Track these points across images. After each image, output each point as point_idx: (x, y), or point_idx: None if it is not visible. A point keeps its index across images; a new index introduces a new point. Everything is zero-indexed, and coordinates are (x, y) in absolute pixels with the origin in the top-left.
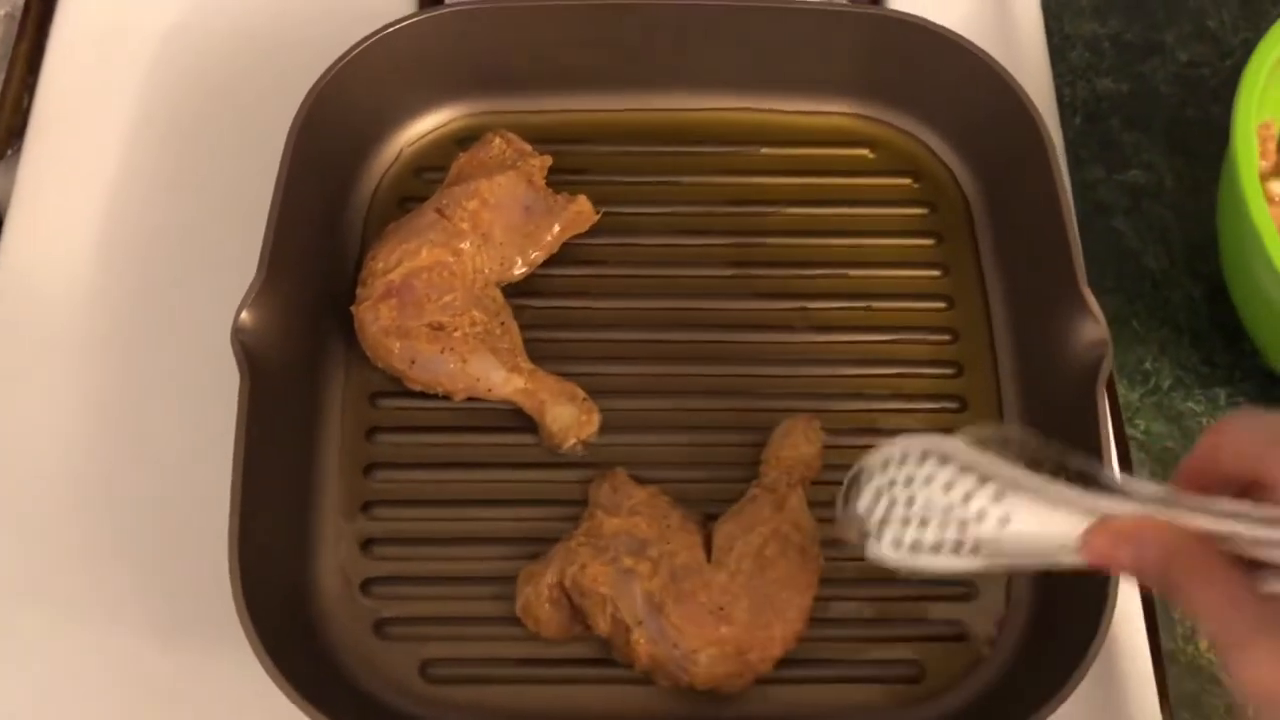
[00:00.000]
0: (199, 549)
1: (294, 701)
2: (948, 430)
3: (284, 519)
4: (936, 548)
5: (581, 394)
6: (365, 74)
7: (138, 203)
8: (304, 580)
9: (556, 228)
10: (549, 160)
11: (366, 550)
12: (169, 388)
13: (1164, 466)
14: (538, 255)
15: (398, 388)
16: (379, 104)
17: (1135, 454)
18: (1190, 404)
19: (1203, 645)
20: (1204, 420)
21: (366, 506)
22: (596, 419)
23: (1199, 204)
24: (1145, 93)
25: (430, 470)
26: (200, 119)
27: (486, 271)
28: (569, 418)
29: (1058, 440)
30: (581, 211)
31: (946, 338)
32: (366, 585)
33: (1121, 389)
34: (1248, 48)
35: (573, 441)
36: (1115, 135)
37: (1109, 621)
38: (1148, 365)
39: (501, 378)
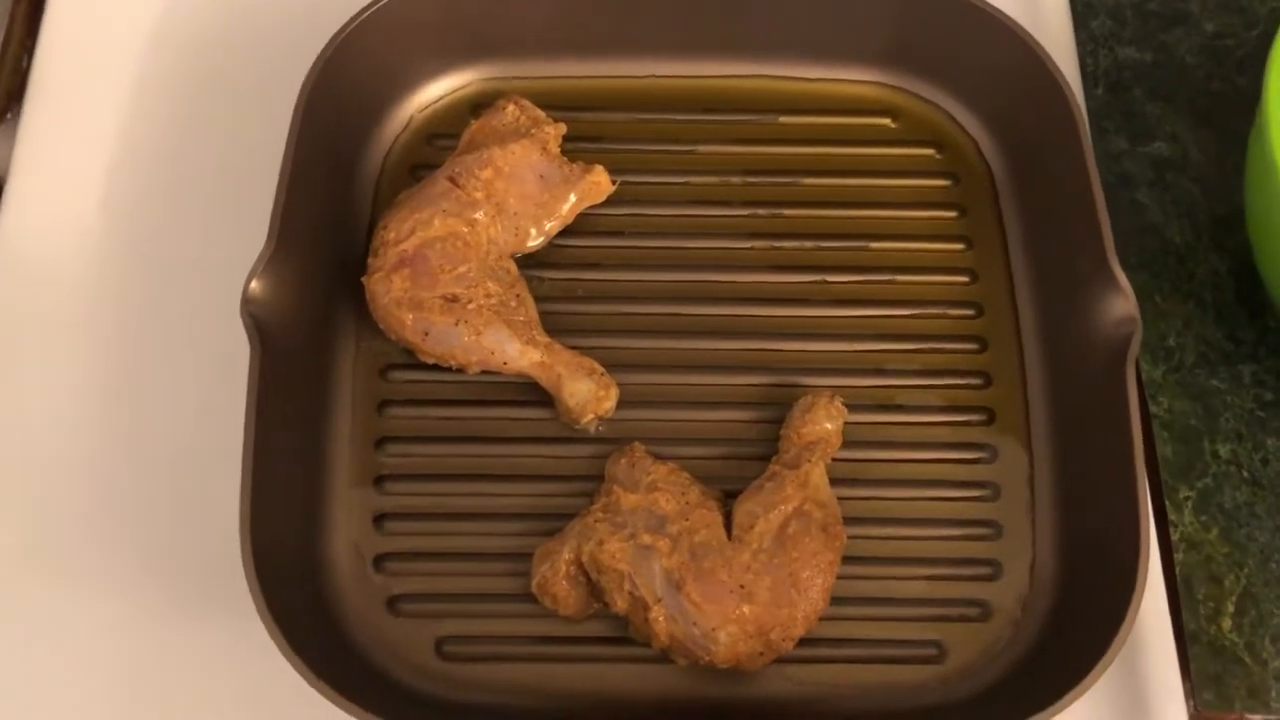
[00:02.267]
0: (210, 524)
1: (305, 678)
2: (970, 406)
3: (295, 493)
4: None
5: (599, 369)
6: (376, 37)
7: (143, 169)
8: (316, 555)
9: (572, 198)
10: (564, 128)
11: (379, 525)
12: (177, 360)
13: (1187, 445)
14: (553, 226)
15: (410, 360)
16: (390, 68)
17: (1158, 432)
18: (1214, 381)
19: (1225, 626)
20: (1228, 398)
21: (379, 481)
22: (615, 394)
23: (1224, 176)
24: (1170, 63)
25: (444, 444)
26: (207, 83)
27: (501, 242)
28: (586, 393)
29: (1083, 418)
30: (598, 182)
31: (970, 312)
32: (379, 561)
33: (1145, 365)
34: (1275, 18)
35: (590, 417)
36: (1139, 106)
37: (1138, 604)
38: (1171, 341)
39: (517, 351)
